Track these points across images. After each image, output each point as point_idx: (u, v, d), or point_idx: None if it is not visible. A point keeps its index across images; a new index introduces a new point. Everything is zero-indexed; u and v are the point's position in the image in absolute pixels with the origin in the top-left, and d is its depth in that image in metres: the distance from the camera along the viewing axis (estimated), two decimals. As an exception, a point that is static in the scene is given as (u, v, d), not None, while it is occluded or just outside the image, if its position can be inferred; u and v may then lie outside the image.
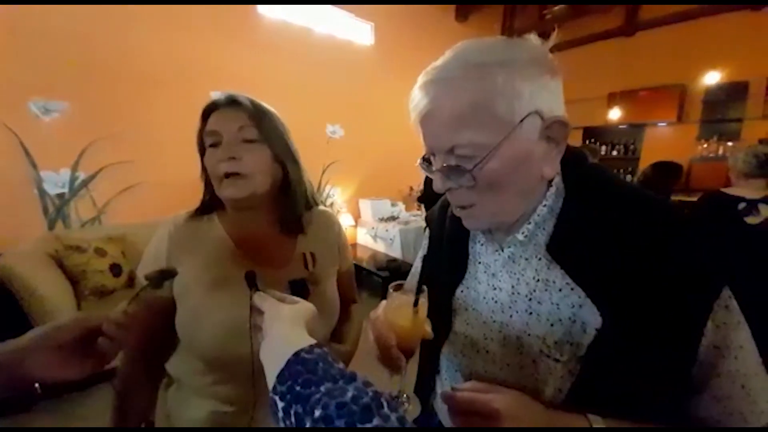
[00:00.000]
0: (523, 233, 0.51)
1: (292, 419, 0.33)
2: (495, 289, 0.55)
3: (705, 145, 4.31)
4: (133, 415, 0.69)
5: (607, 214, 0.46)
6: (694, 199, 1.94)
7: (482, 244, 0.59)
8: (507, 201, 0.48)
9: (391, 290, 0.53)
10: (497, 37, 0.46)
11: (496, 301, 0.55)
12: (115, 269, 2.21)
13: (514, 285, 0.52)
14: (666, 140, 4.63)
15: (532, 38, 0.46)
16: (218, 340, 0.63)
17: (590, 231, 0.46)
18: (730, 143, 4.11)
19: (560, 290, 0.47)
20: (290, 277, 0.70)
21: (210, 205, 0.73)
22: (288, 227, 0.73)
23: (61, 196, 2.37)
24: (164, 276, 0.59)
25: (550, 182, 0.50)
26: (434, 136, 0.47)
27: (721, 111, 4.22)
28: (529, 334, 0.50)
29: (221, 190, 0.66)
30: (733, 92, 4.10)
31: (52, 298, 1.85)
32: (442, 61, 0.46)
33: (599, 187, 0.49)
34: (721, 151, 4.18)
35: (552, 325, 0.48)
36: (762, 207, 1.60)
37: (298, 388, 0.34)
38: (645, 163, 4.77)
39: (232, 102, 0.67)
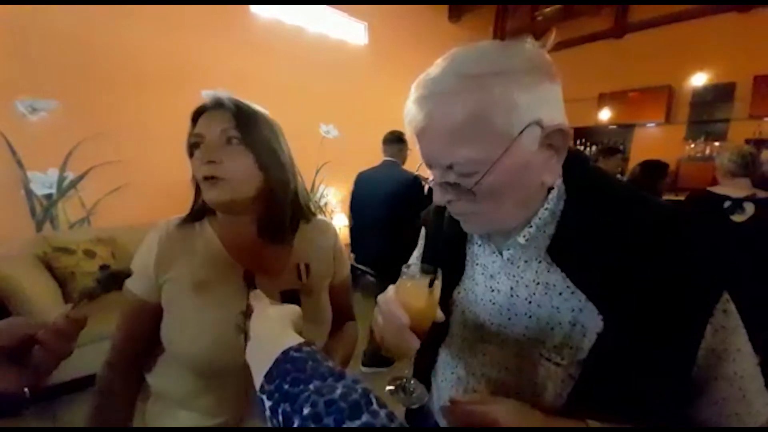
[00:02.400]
0: (524, 236, 0.50)
1: (280, 418, 0.32)
2: (493, 291, 0.54)
3: (692, 146, 4.39)
4: (113, 420, 0.67)
5: (609, 217, 0.45)
6: (682, 198, 1.98)
7: (480, 245, 0.58)
8: (506, 209, 0.47)
9: (404, 269, 0.51)
10: (492, 43, 0.45)
11: (494, 303, 0.54)
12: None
13: (513, 287, 0.52)
14: (654, 140, 4.71)
15: (529, 42, 0.44)
16: (210, 350, 0.62)
17: (591, 234, 0.45)
18: (717, 143, 4.19)
19: (560, 294, 0.47)
20: (282, 287, 0.68)
21: (201, 210, 0.71)
22: (270, 235, 0.69)
23: (48, 196, 2.33)
24: (114, 278, 0.54)
25: (551, 186, 0.49)
26: (431, 152, 0.46)
27: (708, 112, 4.31)
28: (528, 338, 0.50)
29: (203, 193, 0.64)
30: (720, 93, 4.18)
31: (39, 301, 1.81)
32: (435, 71, 0.44)
33: (600, 190, 0.49)
34: (708, 152, 4.26)
35: (552, 328, 0.47)
36: (747, 205, 1.64)
37: (286, 386, 0.33)
38: (634, 163, 4.84)
39: (217, 104, 0.65)
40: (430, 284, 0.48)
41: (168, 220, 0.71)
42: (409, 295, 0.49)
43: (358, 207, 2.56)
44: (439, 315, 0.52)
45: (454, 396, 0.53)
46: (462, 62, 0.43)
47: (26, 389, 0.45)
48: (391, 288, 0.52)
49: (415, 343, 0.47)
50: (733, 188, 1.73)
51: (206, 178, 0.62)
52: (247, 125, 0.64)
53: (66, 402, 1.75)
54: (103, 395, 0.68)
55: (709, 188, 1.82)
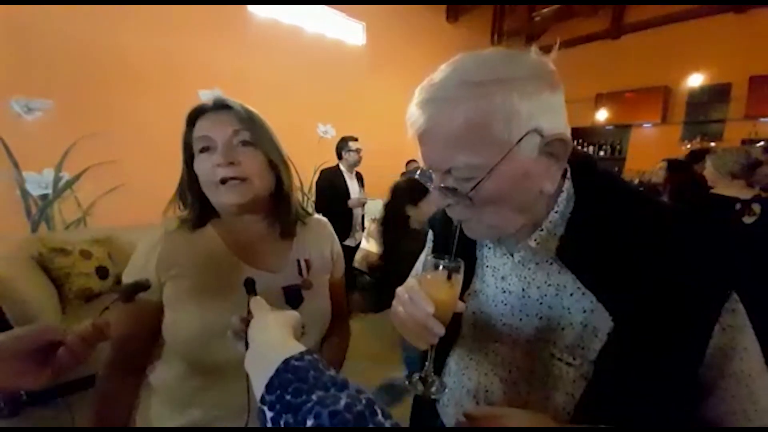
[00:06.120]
0: (535, 240, 0.50)
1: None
2: (504, 292, 0.55)
3: (688, 146, 4.41)
4: (113, 421, 0.67)
5: (617, 219, 0.46)
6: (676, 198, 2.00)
7: (490, 248, 0.59)
8: (504, 215, 0.48)
9: (429, 258, 0.52)
10: (497, 50, 0.45)
11: (505, 304, 0.55)
12: (102, 272, 2.16)
13: (525, 288, 0.52)
14: (651, 141, 4.73)
15: (533, 51, 0.44)
16: (211, 347, 0.62)
17: (601, 236, 0.46)
18: (712, 144, 4.21)
19: (571, 295, 0.48)
20: (284, 283, 0.70)
21: (204, 216, 0.70)
22: (284, 231, 0.73)
23: (44, 197, 2.31)
24: (136, 289, 0.57)
25: (560, 189, 0.49)
26: (431, 156, 0.47)
27: (704, 112, 4.34)
28: (539, 339, 0.51)
29: (219, 195, 0.64)
30: (716, 94, 4.21)
31: (35, 302, 1.80)
32: (439, 76, 0.45)
33: (608, 193, 0.49)
34: (704, 152, 4.28)
35: (563, 329, 0.48)
36: (755, 206, 1.65)
37: (288, 397, 0.33)
38: (631, 163, 4.87)
39: (222, 106, 0.66)
40: (450, 276, 0.49)
41: (165, 222, 0.71)
42: (432, 285, 0.50)
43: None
44: (461, 306, 0.52)
45: (468, 409, 0.53)
46: (465, 69, 0.44)
47: (22, 391, 0.45)
48: (411, 279, 0.53)
49: (440, 330, 0.47)
50: (735, 189, 1.74)
51: (226, 180, 0.62)
52: (254, 126, 0.66)
53: (65, 403, 1.74)
54: (103, 396, 0.68)
55: (713, 191, 1.83)
